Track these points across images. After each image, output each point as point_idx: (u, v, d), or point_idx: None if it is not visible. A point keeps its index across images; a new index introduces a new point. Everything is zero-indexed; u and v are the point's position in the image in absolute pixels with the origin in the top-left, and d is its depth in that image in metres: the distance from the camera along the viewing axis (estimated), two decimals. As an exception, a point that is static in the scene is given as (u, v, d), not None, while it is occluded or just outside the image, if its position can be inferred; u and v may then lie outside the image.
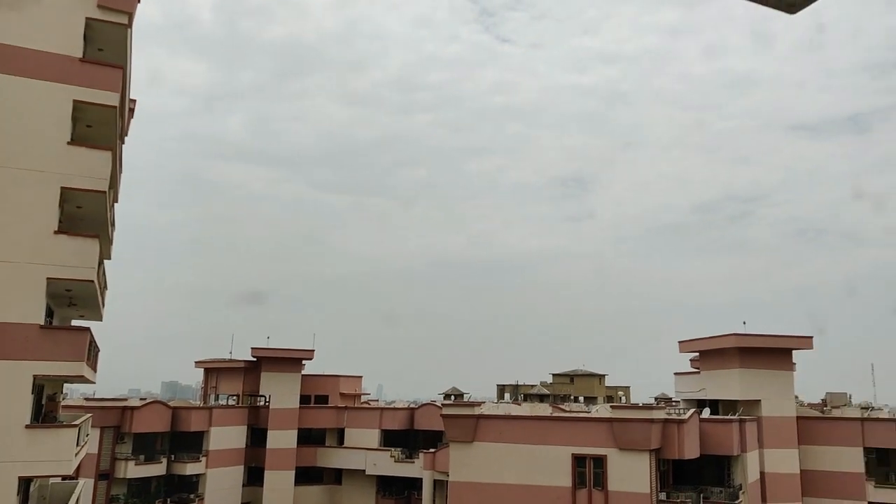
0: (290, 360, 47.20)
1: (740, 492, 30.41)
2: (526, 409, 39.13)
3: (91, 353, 20.33)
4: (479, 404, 36.29)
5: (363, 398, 55.05)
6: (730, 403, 34.91)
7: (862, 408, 41.70)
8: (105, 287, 23.87)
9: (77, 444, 18.95)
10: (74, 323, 23.96)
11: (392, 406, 51.42)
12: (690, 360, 41.52)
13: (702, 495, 29.91)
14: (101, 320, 24.83)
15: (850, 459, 34.45)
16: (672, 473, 30.52)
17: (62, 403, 24.46)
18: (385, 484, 44.85)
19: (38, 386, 19.74)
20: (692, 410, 32.11)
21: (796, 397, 37.77)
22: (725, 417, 32.63)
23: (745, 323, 36.03)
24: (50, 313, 20.59)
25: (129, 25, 20.02)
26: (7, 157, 17.87)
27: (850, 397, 43.99)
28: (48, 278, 18.11)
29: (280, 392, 46.53)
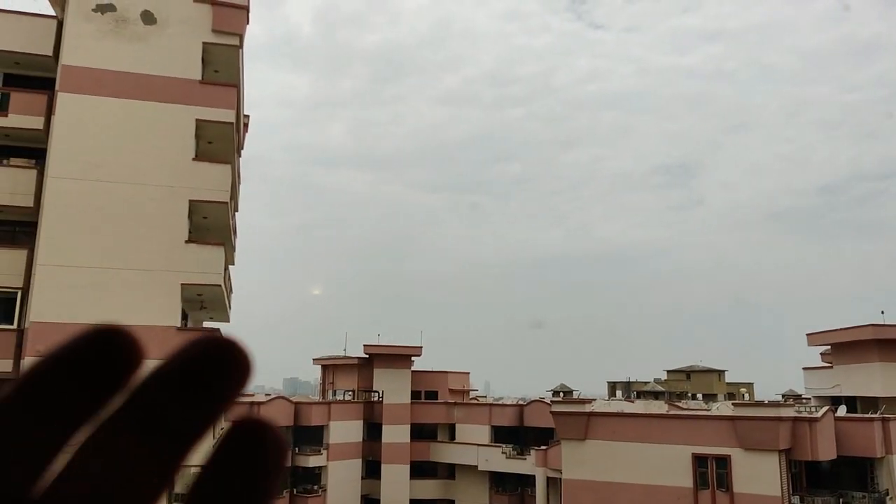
0: (400, 357, 48.21)
1: (887, 497, 28.17)
2: (640, 406, 38.06)
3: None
4: (589, 401, 35.67)
5: (471, 394, 55.44)
6: (870, 401, 32.46)
7: None
8: (231, 290, 25.34)
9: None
10: (205, 324, 25.59)
11: (501, 402, 51.46)
12: (821, 353, 38.99)
13: (841, 500, 27.96)
14: (228, 321, 26.41)
15: None
16: (805, 476, 28.75)
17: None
18: (498, 480, 44.98)
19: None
20: (826, 408, 30.11)
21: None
22: (865, 416, 30.34)
23: (883, 312, 33.40)
24: (184, 316, 22.09)
25: (241, 46, 21.13)
26: (142, 175, 19.34)
27: None
28: (182, 284, 19.48)
29: (392, 388, 47.60)
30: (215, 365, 0.31)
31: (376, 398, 48.13)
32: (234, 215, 23.99)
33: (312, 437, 44.82)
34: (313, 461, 43.82)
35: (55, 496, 0.28)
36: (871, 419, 29.25)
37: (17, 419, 0.28)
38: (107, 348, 0.30)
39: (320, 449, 44.22)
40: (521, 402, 48.95)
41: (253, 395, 49.02)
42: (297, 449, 44.22)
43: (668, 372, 61.09)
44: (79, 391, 0.29)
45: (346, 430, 45.87)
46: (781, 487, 26.79)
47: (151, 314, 18.80)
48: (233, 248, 24.80)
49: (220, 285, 20.44)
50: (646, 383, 58.80)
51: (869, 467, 28.92)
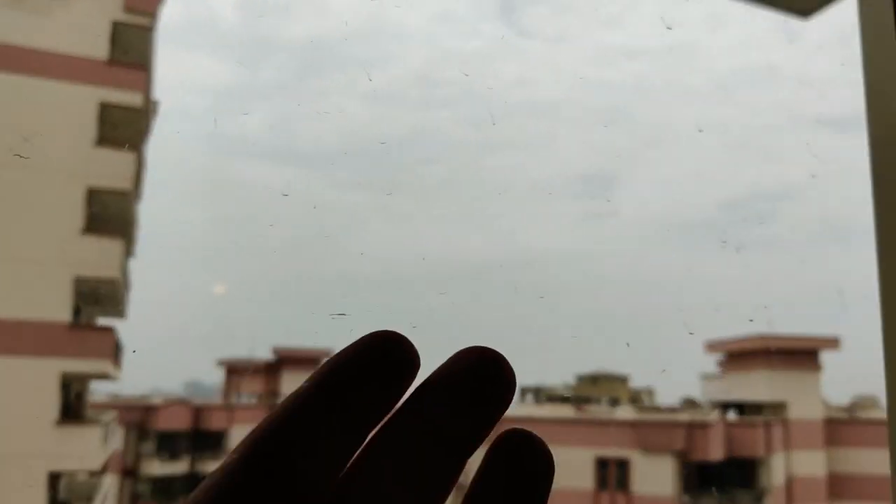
0: (311, 360, 47.20)
1: (766, 495, 30.00)
2: (548, 411, 38.98)
3: (116, 352, 20.63)
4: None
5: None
6: (755, 406, 34.43)
7: (892, 411, 40.47)
8: (129, 285, 24.24)
9: (104, 441, 19.23)
10: (100, 321, 24.33)
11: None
12: (717, 361, 40.95)
13: (727, 498, 29.53)
14: (124, 318, 25.21)
15: (879, 462, 33.65)
16: (697, 476, 30.17)
17: (89, 401, 24.80)
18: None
19: (65, 384, 20.06)
20: (717, 413, 31.72)
21: (823, 400, 37.07)
22: (750, 419, 32.17)
23: (769, 323, 35.52)
24: (77, 311, 20.91)
25: (153, 28, 20.30)
26: (36, 159, 18.20)
27: (879, 400, 42.89)
28: (75, 277, 18.41)
29: (302, 392, 46.66)
30: (488, 376, 0.32)
31: (284, 402, 47.10)
32: (136, 205, 22.98)
33: (214, 442, 43.26)
34: (213, 467, 42.36)
35: (344, 497, 0.30)
36: (755, 423, 31.06)
37: (318, 416, 0.29)
38: (390, 353, 0.31)
39: (223, 454, 42.81)
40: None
41: (150, 399, 46.90)
42: (196, 455, 42.65)
43: (577, 377, 62.73)
44: (368, 394, 0.30)
45: (251, 435, 44.60)
46: (675, 488, 28.00)
47: (39, 309, 17.68)
48: (133, 241, 23.74)
49: (116, 279, 19.51)
50: (555, 388, 60.21)
51: (752, 467, 30.71)
